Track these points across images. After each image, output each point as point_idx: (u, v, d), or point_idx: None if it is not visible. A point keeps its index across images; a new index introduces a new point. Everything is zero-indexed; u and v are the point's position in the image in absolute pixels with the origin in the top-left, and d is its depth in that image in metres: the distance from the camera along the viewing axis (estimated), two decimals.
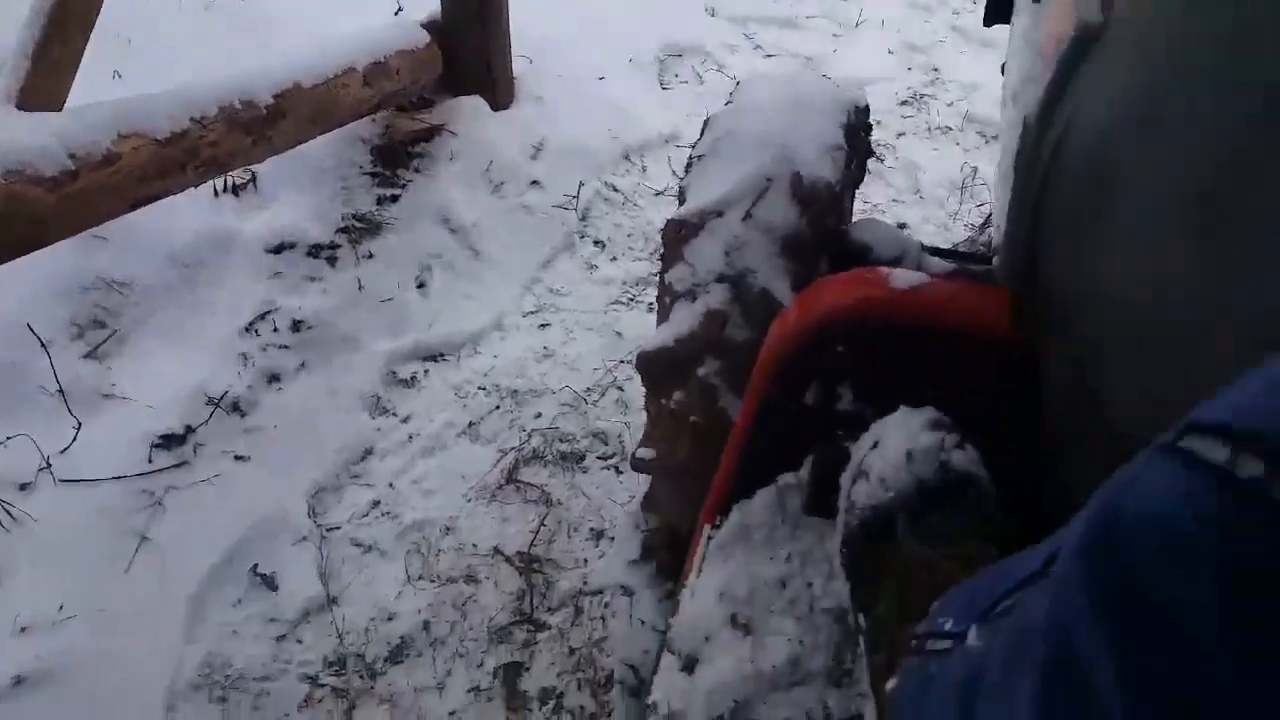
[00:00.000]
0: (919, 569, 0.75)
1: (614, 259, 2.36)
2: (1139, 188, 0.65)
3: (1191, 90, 0.60)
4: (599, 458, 1.84)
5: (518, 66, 2.62)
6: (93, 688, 1.43)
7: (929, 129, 2.98)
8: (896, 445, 0.83)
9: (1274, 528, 0.30)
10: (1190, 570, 0.31)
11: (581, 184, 2.48)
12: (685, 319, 1.27)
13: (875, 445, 0.85)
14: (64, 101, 1.70)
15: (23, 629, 1.48)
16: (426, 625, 1.58)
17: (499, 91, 2.55)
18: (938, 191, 2.71)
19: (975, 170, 2.74)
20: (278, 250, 2.10)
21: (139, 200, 1.70)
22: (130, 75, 2.18)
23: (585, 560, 1.67)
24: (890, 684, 0.67)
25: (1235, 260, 0.53)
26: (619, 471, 1.81)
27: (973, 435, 0.85)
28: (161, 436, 1.76)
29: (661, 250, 1.37)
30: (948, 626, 0.60)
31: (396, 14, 2.65)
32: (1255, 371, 0.34)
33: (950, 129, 2.99)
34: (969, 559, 0.73)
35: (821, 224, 1.28)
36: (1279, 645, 0.29)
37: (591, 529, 1.72)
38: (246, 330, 1.96)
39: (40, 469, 1.66)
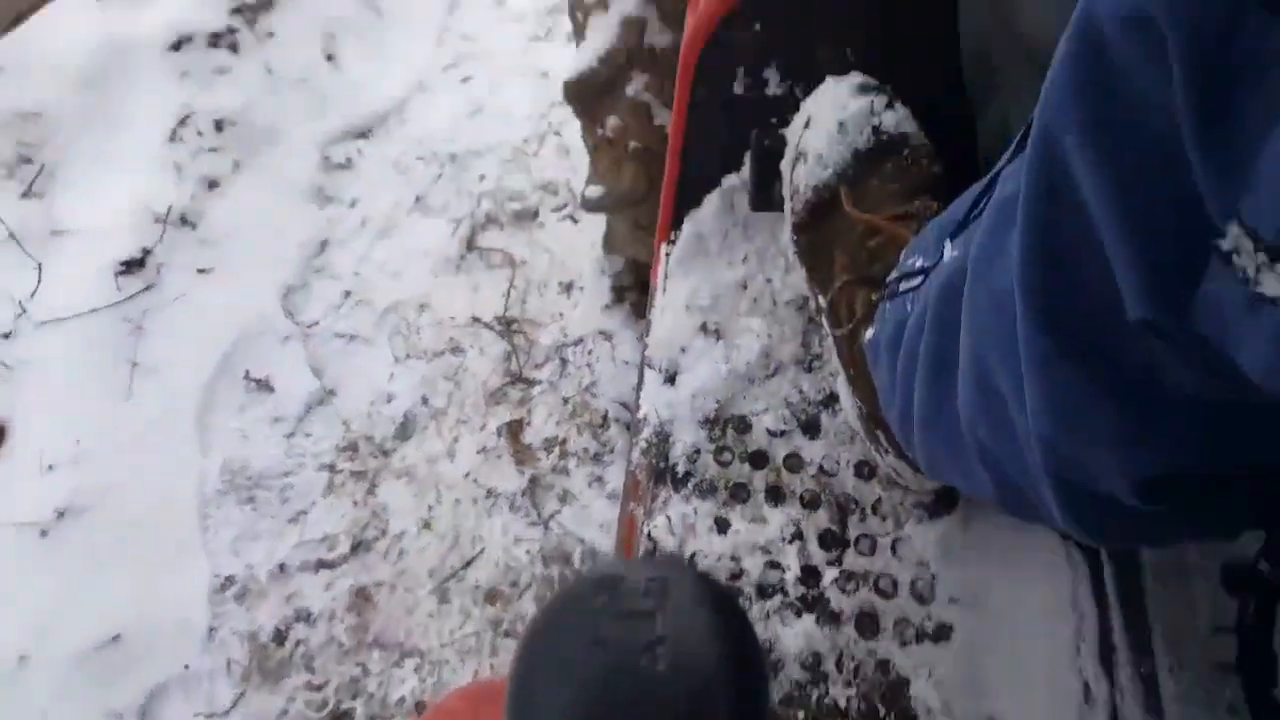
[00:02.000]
0: (866, 235, 0.75)
1: None
2: None
3: None
4: (552, 210, 1.82)
5: None
6: (129, 510, 1.50)
7: None
8: (828, 119, 0.80)
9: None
10: (1150, 44, 0.32)
11: None
12: (602, 34, 1.21)
13: (808, 124, 0.83)
14: None
15: (49, 466, 1.54)
16: (424, 399, 1.63)
17: None
18: None
19: None
20: (177, 47, 1.96)
21: (23, 11, 1.56)
22: None
23: (560, 314, 1.69)
24: (866, 335, 0.69)
25: None
26: (575, 220, 1.79)
27: (901, 88, 0.83)
28: (122, 263, 1.73)
29: None
30: (918, 264, 0.61)
31: None
32: None
33: None
34: (912, 215, 0.74)
35: None
36: (1222, 93, 0.30)
37: (560, 283, 1.73)
38: (171, 139, 1.87)
39: (17, 315, 1.66)
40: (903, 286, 0.62)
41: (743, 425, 0.91)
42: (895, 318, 0.62)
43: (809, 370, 0.92)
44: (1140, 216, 0.35)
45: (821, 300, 0.81)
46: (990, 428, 0.49)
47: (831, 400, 0.90)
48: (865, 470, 0.86)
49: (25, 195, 1.82)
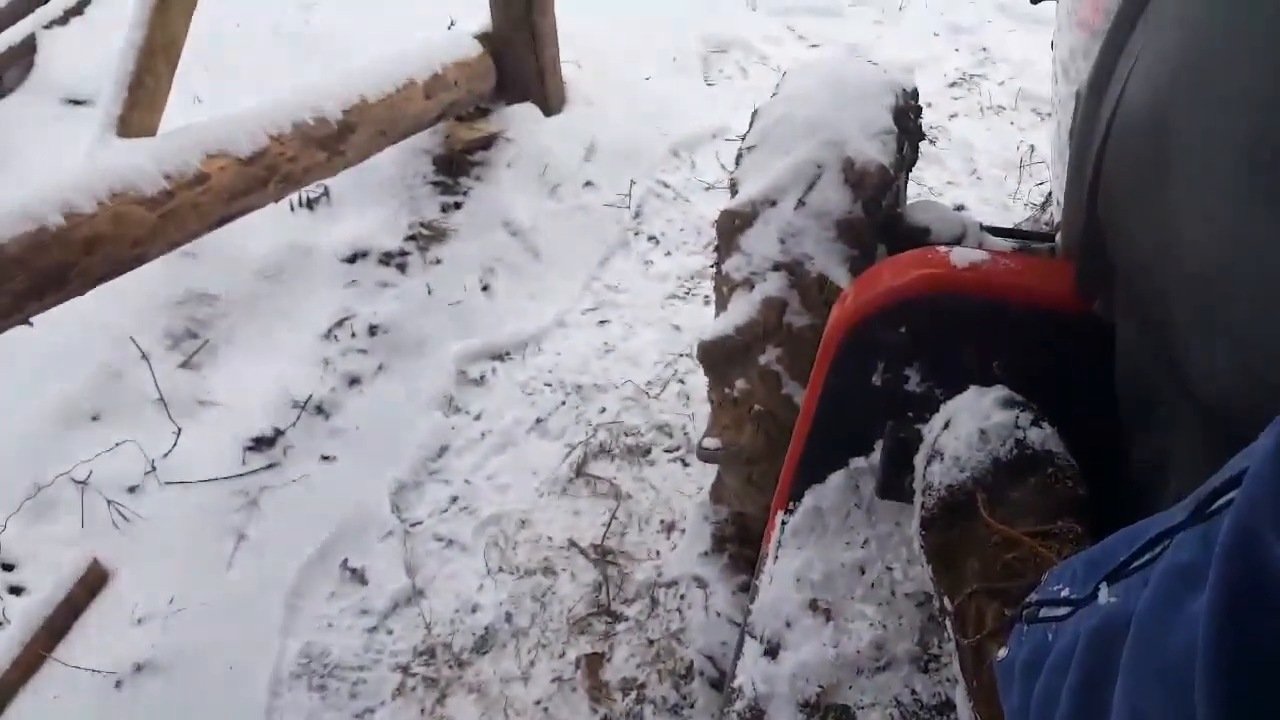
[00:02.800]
0: (1003, 547, 0.75)
1: (668, 254, 2.41)
2: (1196, 150, 0.66)
3: (1232, 47, 0.62)
4: (664, 450, 1.89)
5: (567, 71, 2.68)
6: (204, 675, 1.53)
7: (981, 109, 2.96)
8: (969, 424, 0.83)
9: None
10: None
11: (633, 182, 2.53)
12: (744, 308, 1.30)
13: (947, 425, 0.86)
14: (157, 127, 1.83)
15: (139, 620, 1.60)
16: (509, 616, 1.64)
17: (550, 97, 2.61)
18: (994, 172, 2.69)
19: (1032, 149, 2.72)
20: (352, 259, 2.21)
21: (227, 216, 1.83)
22: (209, 99, 2.30)
23: (657, 552, 1.71)
24: (1000, 654, 0.68)
25: None
26: (685, 464, 1.85)
27: (1047, 411, 0.84)
28: (253, 439, 1.87)
29: (716, 242, 1.39)
30: (1065, 593, 0.60)
31: (450, 28, 2.73)
32: None
33: (1004, 108, 2.96)
34: (1053, 535, 0.73)
35: (876, 207, 1.29)
36: None
37: (662, 521, 1.77)
38: (326, 336, 2.06)
39: (146, 472, 1.79)
40: (1044, 613, 0.61)
41: (846, 717, 0.87)
42: (1033, 644, 0.61)
43: (925, 671, 0.88)
44: None
45: (948, 603, 0.80)
46: None
47: (947, 708, 0.85)
48: None
49: (183, 365, 2.01)
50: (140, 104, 1.78)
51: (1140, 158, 0.76)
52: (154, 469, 1.83)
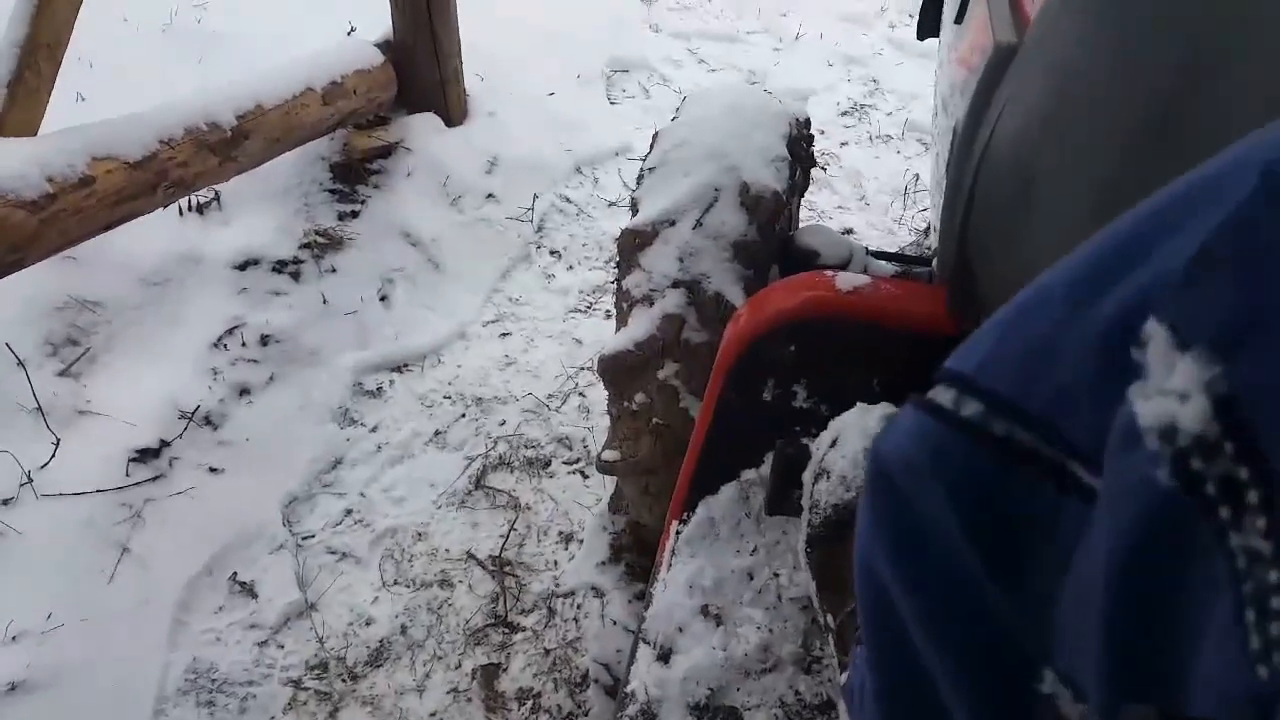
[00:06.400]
0: None
1: (570, 268, 2.44)
2: (1051, 186, 0.72)
3: (1091, 99, 0.69)
4: (564, 463, 1.91)
5: (470, 83, 2.68)
6: (83, 693, 1.46)
7: (871, 138, 3.11)
8: (855, 443, 0.87)
9: (988, 456, 0.35)
10: (928, 491, 0.37)
11: (536, 196, 2.55)
12: (643, 323, 1.34)
13: (834, 443, 0.90)
14: (39, 127, 1.74)
15: (14, 637, 1.51)
16: (404, 629, 1.63)
17: (452, 108, 2.61)
18: (881, 198, 2.83)
19: (916, 177, 2.88)
20: (243, 267, 2.14)
21: (113, 221, 1.75)
22: (93, 98, 2.20)
23: (555, 563, 1.74)
24: (842, 679, 0.72)
25: None
26: (584, 476, 1.88)
27: None
28: (138, 450, 1.79)
29: (617, 259, 1.44)
30: None
31: (349, 34, 2.69)
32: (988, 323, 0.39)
33: (891, 137, 3.12)
34: None
35: (770, 230, 1.36)
36: (1004, 545, 0.35)
37: (560, 532, 1.79)
38: (216, 345, 1.99)
39: (21, 484, 1.69)
40: None
41: (733, 718, 0.91)
42: (864, 668, 0.67)
43: (808, 672, 0.93)
44: (958, 648, 0.37)
45: (830, 620, 0.83)
46: None
47: (829, 707, 0.89)
48: None
49: (62, 374, 1.90)
50: (20, 102, 1.68)
51: (1006, 196, 0.83)
52: (30, 481, 1.73)
